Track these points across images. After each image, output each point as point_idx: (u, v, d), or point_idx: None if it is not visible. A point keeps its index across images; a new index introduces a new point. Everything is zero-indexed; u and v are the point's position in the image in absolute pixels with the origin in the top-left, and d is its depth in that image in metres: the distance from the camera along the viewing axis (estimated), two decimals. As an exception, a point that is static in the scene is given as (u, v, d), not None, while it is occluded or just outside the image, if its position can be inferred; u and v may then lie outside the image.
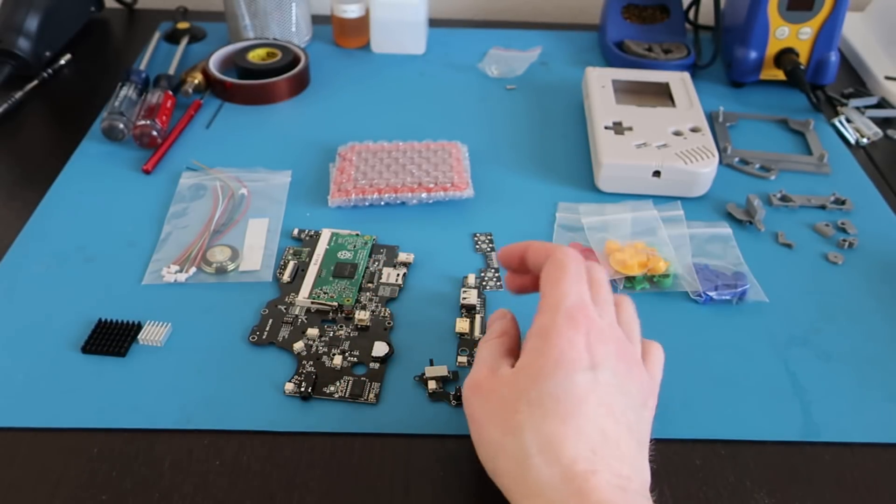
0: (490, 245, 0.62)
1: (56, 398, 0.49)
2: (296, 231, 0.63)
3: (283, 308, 0.56)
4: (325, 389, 0.50)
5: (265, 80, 0.80)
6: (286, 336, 0.54)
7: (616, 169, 0.67)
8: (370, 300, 0.57)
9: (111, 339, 0.53)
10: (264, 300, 0.57)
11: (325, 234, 0.62)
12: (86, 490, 0.44)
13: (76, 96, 0.82)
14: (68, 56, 0.87)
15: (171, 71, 0.83)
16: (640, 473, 0.40)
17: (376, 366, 0.52)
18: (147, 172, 0.69)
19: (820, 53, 0.82)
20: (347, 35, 0.91)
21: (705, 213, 0.67)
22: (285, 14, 0.88)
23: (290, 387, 0.50)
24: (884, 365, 0.54)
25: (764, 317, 0.57)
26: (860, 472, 0.47)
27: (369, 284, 0.58)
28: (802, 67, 0.81)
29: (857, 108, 0.82)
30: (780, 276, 0.60)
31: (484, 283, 0.59)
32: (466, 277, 0.59)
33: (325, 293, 0.57)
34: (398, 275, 0.59)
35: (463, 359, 0.52)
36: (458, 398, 0.50)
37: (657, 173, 0.67)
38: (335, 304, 0.56)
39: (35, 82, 0.82)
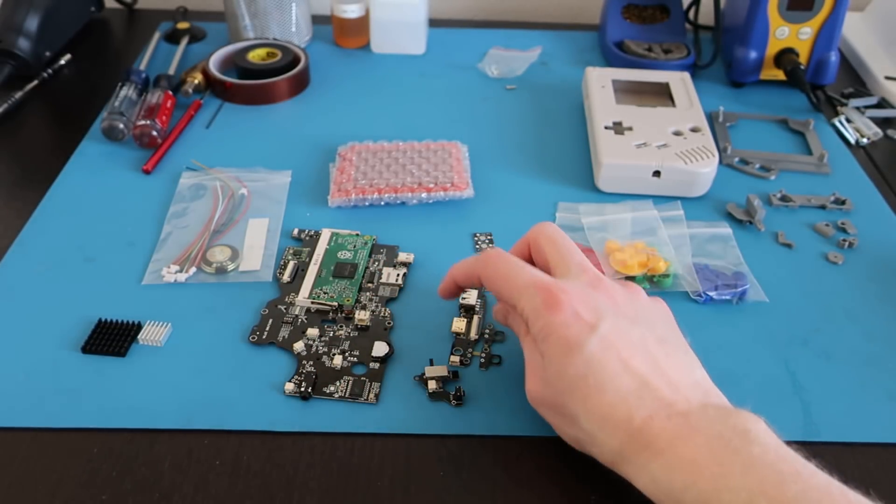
0: (490, 245, 0.62)
1: (56, 398, 0.49)
2: (296, 231, 0.63)
3: (283, 308, 0.56)
4: (325, 389, 0.50)
5: (265, 80, 0.80)
6: (286, 336, 0.54)
7: (616, 169, 0.67)
8: (370, 300, 0.57)
9: (111, 339, 0.53)
10: (264, 300, 0.57)
11: (325, 234, 0.62)
12: (86, 490, 0.44)
13: (76, 96, 0.82)
14: (68, 56, 0.87)
15: (171, 71, 0.83)
16: (694, 385, 0.42)
17: (376, 366, 0.52)
18: (147, 172, 0.69)
19: (820, 53, 0.82)
20: (347, 35, 0.91)
21: (705, 213, 0.67)
22: (285, 14, 0.88)
23: (290, 387, 0.50)
24: (884, 365, 0.54)
25: (764, 317, 0.57)
26: (860, 472, 0.47)
27: (369, 284, 0.58)
28: (802, 67, 0.81)
29: (857, 108, 0.82)
30: (780, 276, 0.60)
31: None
32: (466, 277, 0.59)
33: (325, 293, 0.57)
34: (398, 275, 0.59)
35: (455, 358, 0.52)
36: (458, 398, 0.50)
37: (657, 173, 0.67)
38: (335, 304, 0.56)
39: (35, 82, 0.82)
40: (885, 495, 0.46)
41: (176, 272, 0.58)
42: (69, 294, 0.57)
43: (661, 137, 0.69)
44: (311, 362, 0.52)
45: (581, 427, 0.41)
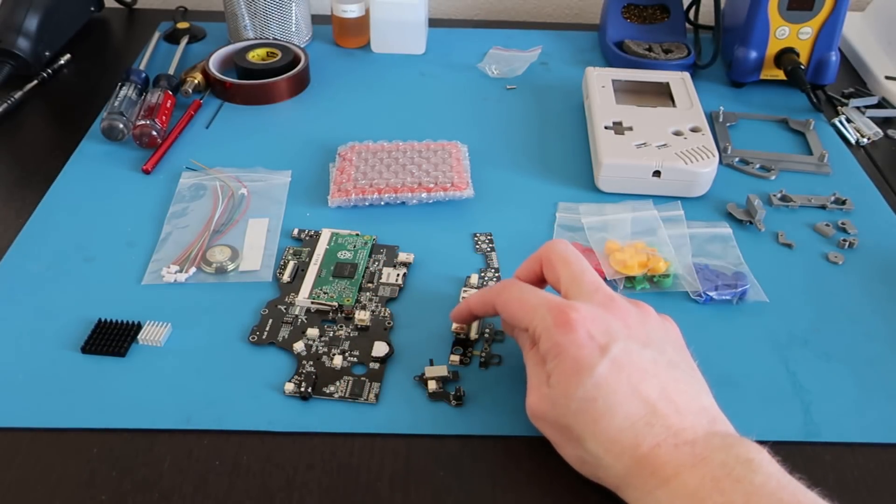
0: (490, 245, 0.62)
1: (56, 398, 0.49)
2: (296, 231, 0.63)
3: (283, 308, 0.56)
4: (325, 389, 0.50)
5: (265, 80, 0.80)
6: (286, 336, 0.54)
7: (616, 169, 0.67)
8: (370, 300, 0.57)
9: (111, 339, 0.52)
10: (264, 300, 0.57)
11: (325, 234, 0.62)
12: (86, 490, 0.44)
13: (76, 96, 0.82)
14: (68, 56, 0.87)
15: (171, 71, 0.83)
16: (701, 411, 0.41)
17: (376, 366, 0.52)
18: (147, 172, 0.69)
19: (820, 53, 0.82)
20: (347, 35, 0.91)
21: (705, 213, 0.67)
22: (285, 14, 0.88)
23: (290, 387, 0.50)
24: (884, 365, 0.54)
25: (764, 317, 0.57)
26: (860, 472, 0.47)
27: (369, 284, 0.58)
28: (803, 67, 0.81)
29: (858, 108, 0.82)
30: (780, 276, 0.60)
31: (484, 284, 0.59)
32: (469, 277, 0.59)
33: (325, 293, 0.57)
34: (398, 275, 0.59)
35: (455, 357, 0.52)
36: (458, 398, 0.50)
37: (657, 173, 0.66)
38: (335, 304, 0.56)
39: (35, 82, 0.82)
40: (886, 495, 0.46)
41: (176, 272, 0.58)
42: (69, 294, 0.57)
43: (661, 137, 0.69)
44: (311, 362, 0.52)
45: (586, 449, 0.41)
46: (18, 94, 0.79)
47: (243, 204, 0.66)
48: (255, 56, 0.83)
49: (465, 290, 0.57)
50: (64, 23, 0.89)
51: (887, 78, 0.86)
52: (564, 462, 0.46)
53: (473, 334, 0.54)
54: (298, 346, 0.52)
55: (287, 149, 0.73)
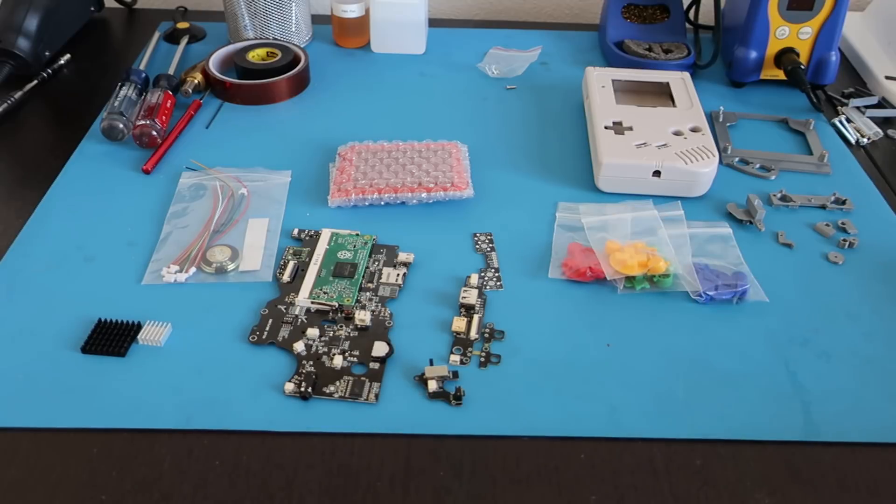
0: (490, 245, 0.62)
1: (56, 398, 0.49)
2: (296, 231, 0.63)
3: (283, 308, 0.56)
4: (325, 389, 0.50)
5: (265, 80, 0.80)
6: (286, 336, 0.54)
7: (616, 169, 0.67)
8: (370, 300, 0.57)
9: (111, 339, 0.52)
10: (264, 300, 0.57)
11: (325, 234, 0.62)
12: (86, 490, 0.44)
13: (76, 96, 0.82)
14: (68, 56, 0.87)
15: (171, 71, 0.83)
16: None
17: (376, 366, 0.52)
18: (147, 172, 0.69)
19: (820, 53, 0.82)
20: (347, 35, 0.91)
21: (705, 213, 0.67)
22: (285, 14, 0.88)
23: (290, 387, 0.50)
24: (884, 365, 0.54)
25: (764, 317, 0.57)
26: (860, 472, 0.47)
27: (369, 284, 0.58)
28: (803, 67, 0.81)
29: (858, 108, 0.82)
30: (780, 276, 0.60)
31: (484, 283, 0.59)
32: (469, 277, 0.59)
33: (325, 293, 0.57)
34: (398, 275, 0.59)
35: (455, 357, 0.52)
36: (458, 398, 0.50)
37: (657, 173, 0.66)
38: (335, 304, 0.56)
39: (35, 82, 0.82)
40: (886, 495, 0.46)
41: (176, 272, 0.58)
42: (69, 294, 0.57)
43: (661, 137, 0.69)
44: (311, 362, 0.52)
45: None
46: (18, 94, 0.79)
47: (243, 204, 0.66)
48: (255, 56, 0.83)
49: (465, 290, 0.57)
50: (64, 23, 0.89)
51: (887, 78, 0.86)
52: (564, 462, 0.46)
53: (473, 334, 0.54)
54: (298, 346, 0.52)
55: (287, 149, 0.73)
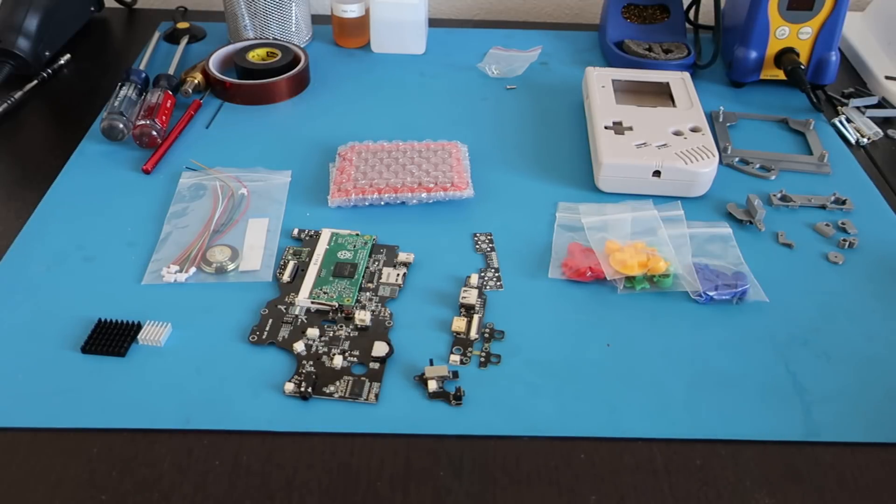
0: (490, 245, 0.62)
1: (56, 398, 0.49)
2: (296, 231, 0.63)
3: (283, 308, 0.56)
4: (325, 389, 0.50)
5: (265, 80, 0.80)
6: (286, 336, 0.54)
7: (616, 169, 0.67)
8: (370, 300, 0.57)
9: (111, 339, 0.52)
10: (264, 300, 0.57)
11: (325, 234, 0.62)
12: (86, 490, 0.44)
13: (76, 96, 0.82)
14: (68, 56, 0.87)
15: (171, 71, 0.83)
16: None
17: (376, 366, 0.52)
18: (147, 172, 0.69)
19: (820, 53, 0.82)
20: (347, 35, 0.91)
21: (705, 213, 0.67)
22: (285, 14, 0.88)
23: (290, 387, 0.50)
24: (884, 365, 0.54)
25: (764, 317, 0.57)
26: (860, 472, 0.47)
27: (369, 284, 0.58)
28: (803, 67, 0.81)
29: (858, 108, 0.82)
30: (780, 276, 0.60)
31: (484, 283, 0.59)
32: (469, 277, 0.59)
33: (325, 293, 0.57)
34: (398, 275, 0.59)
35: (455, 357, 0.52)
36: (458, 398, 0.50)
37: (657, 173, 0.66)
38: (335, 304, 0.56)
39: (35, 82, 0.82)
40: (886, 495, 0.46)
41: (176, 272, 0.58)
42: (69, 294, 0.57)
43: (661, 137, 0.69)
44: (311, 362, 0.52)
45: None
46: (18, 94, 0.79)
47: (243, 204, 0.66)
48: (255, 56, 0.83)
49: (465, 290, 0.57)
50: (64, 23, 0.89)
51: (887, 78, 0.86)
52: (564, 462, 0.46)
53: (473, 334, 0.54)
54: (298, 346, 0.52)
55: (287, 149, 0.73)
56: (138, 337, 0.53)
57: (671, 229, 0.63)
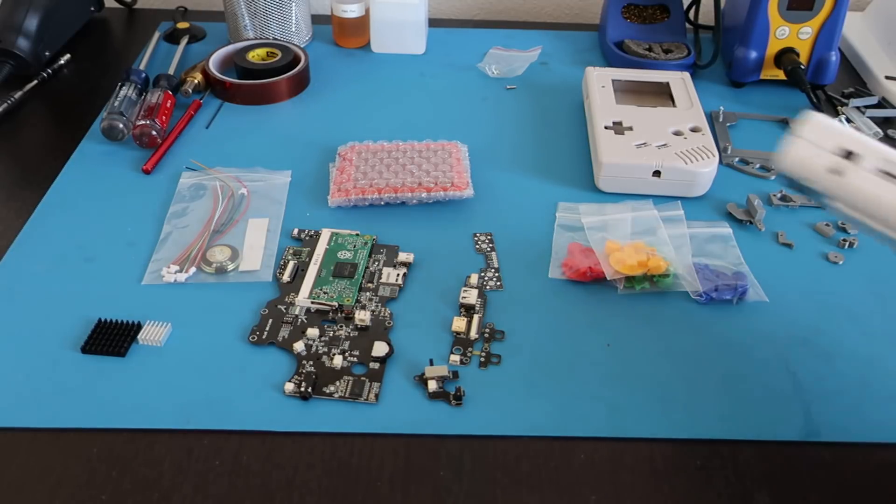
0: (490, 245, 0.62)
1: (56, 398, 0.49)
2: (296, 231, 0.63)
3: (283, 308, 0.56)
4: (325, 389, 0.50)
5: (265, 80, 0.80)
6: (286, 336, 0.54)
7: (616, 169, 0.67)
8: (370, 300, 0.57)
9: (111, 339, 0.52)
10: (264, 300, 0.57)
11: (325, 234, 0.62)
12: (86, 490, 0.44)
13: (76, 96, 0.82)
14: (68, 56, 0.87)
15: (171, 71, 0.83)
16: None
17: (376, 366, 0.52)
18: (147, 172, 0.69)
19: (820, 53, 0.82)
20: (347, 35, 0.91)
21: (705, 213, 0.67)
22: (285, 14, 0.88)
23: (290, 387, 0.50)
24: (884, 365, 0.54)
25: (764, 317, 0.57)
26: (860, 472, 0.47)
27: (369, 284, 0.58)
28: (803, 67, 0.81)
29: (858, 108, 0.82)
30: (780, 276, 0.60)
31: (484, 283, 0.59)
32: (469, 277, 0.59)
33: (325, 293, 0.57)
34: (398, 275, 0.59)
35: (455, 357, 0.52)
36: (458, 398, 0.50)
37: (657, 173, 0.66)
38: (335, 304, 0.56)
39: (35, 82, 0.82)
40: (886, 495, 0.46)
41: (176, 272, 0.58)
42: (69, 294, 0.57)
43: (661, 137, 0.69)
44: (311, 362, 0.52)
45: None
46: (18, 94, 0.79)
47: (243, 204, 0.66)
48: (255, 56, 0.83)
49: (465, 290, 0.57)
50: (64, 23, 0.89)
51: (887, 78, 0.86)
52: (564, 462, 0.46)
53: (473, 334, 0.54)
54: (298, 346, 0.52)
55: (287, 149, 0.73)
56: (138, 337, 0.53)
57: (671, 229, 0.63)
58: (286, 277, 0.58)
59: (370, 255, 0.61)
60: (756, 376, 0.53)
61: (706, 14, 0.98)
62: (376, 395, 0.50)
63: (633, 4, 0.92)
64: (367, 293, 0.57)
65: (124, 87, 0.76)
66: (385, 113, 0.79)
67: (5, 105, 0.77)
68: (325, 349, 0.53)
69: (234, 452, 0.46)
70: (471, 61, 0.89)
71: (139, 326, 0.54)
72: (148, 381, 0.50)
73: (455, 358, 0.52)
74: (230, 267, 0.59)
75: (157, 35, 0.91)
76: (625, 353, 0.54)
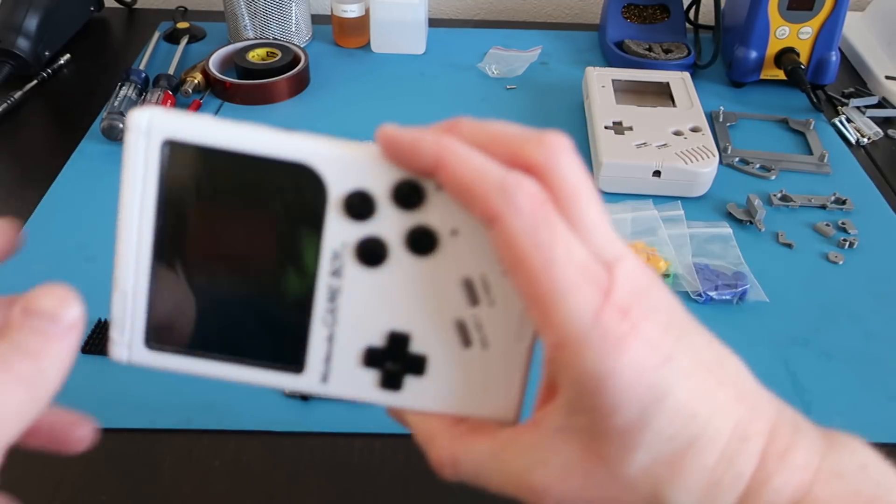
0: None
1: (56, 398, 0.49)
2: (296, 231, 0.63)
3: (283, 308, 0.56)
4: (325, 389, 0.50)
5: (265, 80, 0.80)
6: (286, 336, 0.54)
7: (616, 169, 0.67)
8: (370, 300, 0.57)
9: (111, 339, 0.52)
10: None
11: (325, 234, 0.62)
12: (86, 490, 0.44)
13: (76, 96, 0.82)
14: (68, 56, 0.87)
15: (171, 71, 0.83)
16: (757, 393, 0.32)
17: (376, 366, 0.52)
18: (147, 172, 0.69)
19: (820, 53, 0.82)
20: (347, 35, 0.91)
21: (705, 213, 0.67)
22: (285, 14, 0.88)
23: (290, 387, 0.50)
24: (884, 365, 0.54)
25: (764, 317, 0.57)
26: (860, 472, 0.47)
27: (369, 284, 0.58)
28: (803, 67, 0.81)
29: (858, 108, 0.82)
30: (780, 276, 0.60)
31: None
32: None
33: (325, 293, 0.57)
34: (398, 275, 0.59)
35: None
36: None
37: (657, 173, 0.66)
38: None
39: (34, 82, 0.82)
40: (886, 495, 0.46)
41: (176, 272, 0.58)
42: (69, 294, 0.57)
43: (661, 137, 0.69)
44: (311, 362, 0.52)
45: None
46: (18, 94, 0.79)
47: (243, 204, 0.65)
48: (255, 56, 0.83)
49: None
50: (64, 23, 0.89)
51: (887, 78, 0.86)
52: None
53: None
54: (298, 346, 0.52)
55: (287, 149, 0.73)
56: (138, 337, 0.53)
57: (671, 229, 0.63)
58: (286, 277, 0.58)
59: (370, 255, 0.60)
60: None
61: (706, 14, 0.98)
62: (376, 395, 0.50)
63: (633, 4, 0.92)
64: (367, 293, 0.57)
65: (124, 87, 0.76)
66: (385, 113, 0.79)
67: (5, 105, 0.77)
68: (325, 349, 0.53)
69: (234, 452, 0.46)
70: (471, 61, 0.89)
71: (139, 326, 0.54)
72: (148, 381, 0.50)
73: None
74: (230, 267, 0.59)
75: (157, 35, 0.91)
76: (625, 353, 0.54)
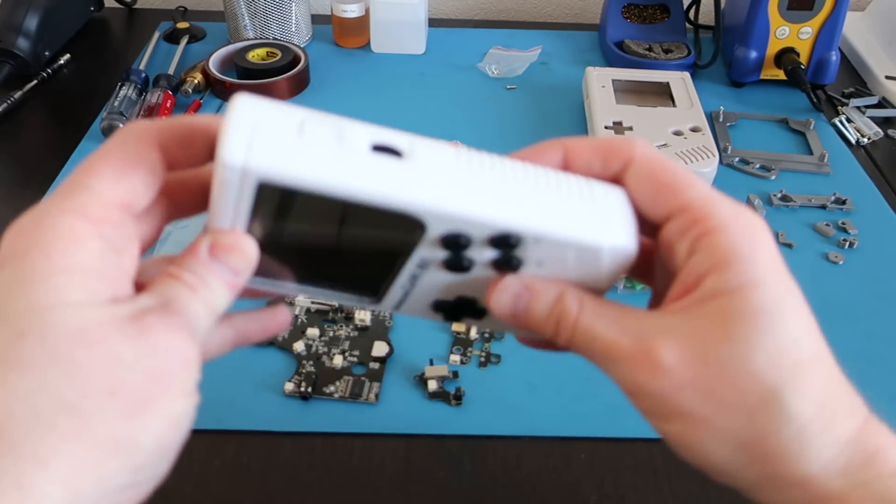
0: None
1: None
2: (296, 231, 0.63)
3: (282, 308, 0.56)
4: (325, 389, 0.50)
5: (265, 79, 0.80)
6: (286, 336, 0.54)
7: (616, 169, 0.67)
8: (370, 300, 0.57)
9: (111, 339, 0.52)
10: (264, 300, 0.56)
11: (325, 234, 0.62)
12: (85, 490, 0.44)
13: (76, 96, 0.82)
14: (68, 56, 0.87)
15: (171, 71, 0.83)
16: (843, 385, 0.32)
17: (376, 365, 0.52)
18: (147, 172, 0.69)
19: (820, 53, 0.82)
20: (347, 35, 0.91)
21: (705, 213, 0.66)
22: (285, 14, 0.88)
23: (290, 387, 0.50)
24: (884, 365, 0.54)
25: (764, 317, 0.57)
26: (860, 472, 0.47)
27: (369, 284, 0.58)
28: (803, 67, 0.81)
29: (858, 108, 0.82)
30: (780, 276, 0.60)
31: (484, 283, 0.59)
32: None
33: (325, 293, 0.57)
34: (398, 275, 0.59)
35: (456, 357, 0.52)
36: (458, 398, 0.50)
37: (657, 173, 0.66)
38: (335, 303, 0.56)
39: (34, 82, 0.82)
40: (886, 495, 0.46)
41: (176, 272, 0.58)
42: (69, 294, 0.57)
43: (661, 137, 0.69)
44: (311, 362, 0.52)
45: (789, 416, 0.28)
46: (18, 94, 0.79)
47: (243, 204, 0.65)
48: (255, 56, 0.83)
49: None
50: (64, 23, 0.89)
51: (887, 78, 0.86)
52: (564, 462, 0.46)
53: (473, 334, 0.54)
54: (298, 346, 0.52)
55: (287, 149, 0.73)
56: (138, 337, 0.53)
57: (671, 229, 0.63)
58: (286, 277, 0.58)
59: (370, 255, 0.61)
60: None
61: (706, 14, 0.98)
62: (376, 395, 0.50)
63: (633, 4, 0.92)
64: (367, 293, 0.57)
65: (124, 87, 0.76)
66: (385, 113, 0.79)
67: (5, 105, 0.77)
68: (325, 349, 0.53)
69: (234, 452, 0.46)
70: (471, 61, 0.89)
71: (139, 326, 0.54)
72: (148, 381, 0.50)
73: (455, 358, 0.52)
74: (230, 267, 0.59)
75: (156, 35, 0.91)
76: (625, 353, 0.54)
